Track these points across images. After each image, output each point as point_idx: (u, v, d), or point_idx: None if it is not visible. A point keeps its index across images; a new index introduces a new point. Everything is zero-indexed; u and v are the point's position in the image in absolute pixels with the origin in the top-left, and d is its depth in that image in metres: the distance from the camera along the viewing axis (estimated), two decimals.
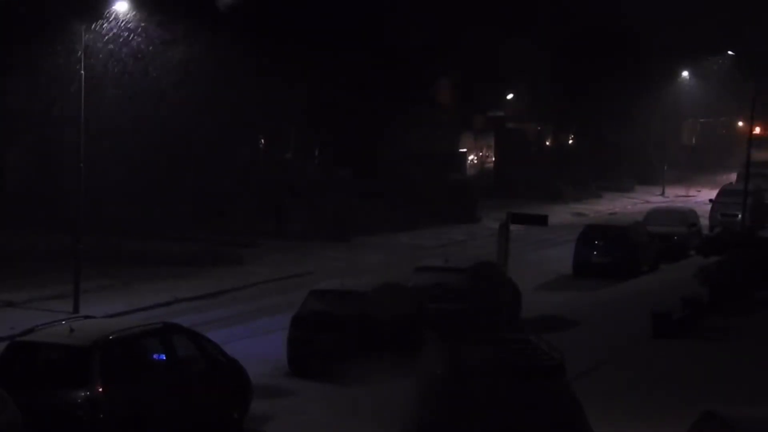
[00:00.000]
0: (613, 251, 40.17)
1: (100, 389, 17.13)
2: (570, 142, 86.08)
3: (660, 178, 76.31)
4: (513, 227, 33.62)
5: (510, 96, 73.04)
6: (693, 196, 73.16)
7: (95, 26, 36.77)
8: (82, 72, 30.42)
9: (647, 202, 68.67)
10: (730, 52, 79.34)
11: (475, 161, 68.94)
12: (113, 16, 38.07)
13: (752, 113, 51.04)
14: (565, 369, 15.57)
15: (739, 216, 49.26)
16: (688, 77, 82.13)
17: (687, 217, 48.01)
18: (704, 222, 51.53)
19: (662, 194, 74.02)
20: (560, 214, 59.24)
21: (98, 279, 34.47)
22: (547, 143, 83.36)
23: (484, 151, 70.09)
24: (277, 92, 49.55)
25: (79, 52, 31.03)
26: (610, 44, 68.28)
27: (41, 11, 39.70)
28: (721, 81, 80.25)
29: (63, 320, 19.79)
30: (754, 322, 31.29)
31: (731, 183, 64.19)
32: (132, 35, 41.93)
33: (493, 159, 71.19)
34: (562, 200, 66.68)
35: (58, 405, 16.99)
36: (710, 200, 56.55)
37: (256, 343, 28.19)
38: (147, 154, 45.56)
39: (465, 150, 67.68)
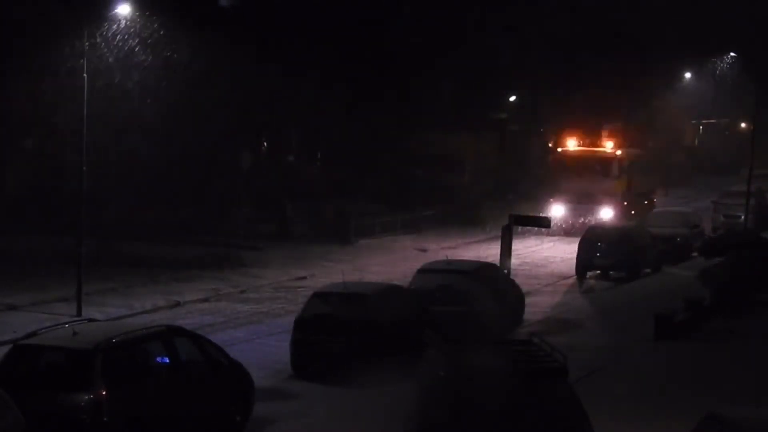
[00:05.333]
0: (615, 253, 40.18)
1: (103, 392, 17.11)
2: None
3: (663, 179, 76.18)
4: (521, 229, 33.67)
5: (512, 98, 73.02)
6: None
7: (98, 30, 36.83)
8: (85, 75, 30.44)
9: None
10: (732, 53, 79.27)
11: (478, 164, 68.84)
12: (116, 19, 38.09)
13: (755, 114, 50.98)
14: (567, 371, 15.55)
15: (742, 217, 49.24)
16: (690, 78, 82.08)
17: (689, 218, 48.00)
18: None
19: (665, 195, 73.90)
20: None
21: (101, 282, 34.51)
22: (551, 145, 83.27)
23: (487, 153, 69.97)
24: (280, 95, 49.58)
25: (83, 56, 31.01)
26: (612, 46, 68.26)
27: (45, 14, 39.74)
28: (723, 82, 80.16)
29: (66, 323, 19.80)
30: (757, 324, 31.26)
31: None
32: (134, 38, 41.97)
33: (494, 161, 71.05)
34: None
35: (61, 408, 16.97)
36: (713, 201, 56.52)
37: (259, 345, 28.24)
38: (149, 157, 45.59)
39: (468, 152, 67.58)
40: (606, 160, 54.19)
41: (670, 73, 77.69)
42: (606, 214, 51.49)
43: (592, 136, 56.23)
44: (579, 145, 55.58)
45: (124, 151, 43.77)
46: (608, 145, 55.12)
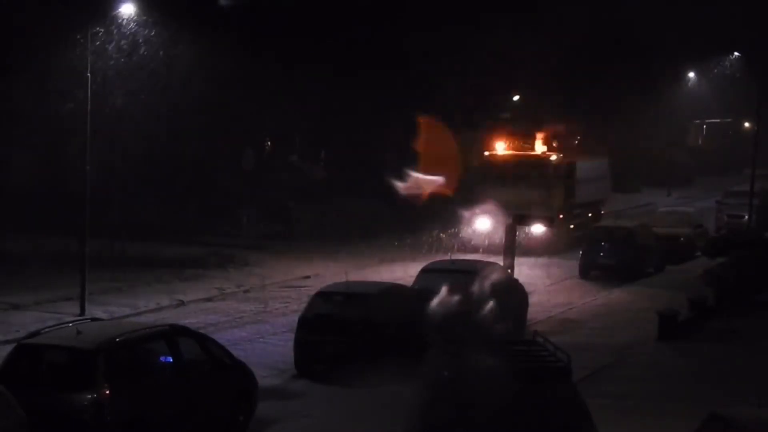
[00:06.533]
0: (619, 253, 40.17)
1: (106, 392, 17.12)
2: (576, 143, 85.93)
3: (666, 178, 76.29)
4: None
5: (516, 98, 73.00)
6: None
7: (102, 29, 36.87)
8: (89, 75, 30.44)
9: (649, 203, 68.59)
10: (736, 53, 79.24)
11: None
12: (119, 18, 38.14)
13: (759, 114, 50.92)
14: (571, 371, 15.54)
15: (745, 217, 49.25)
16: (694, 78, 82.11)
17: (693, 218, 48.02)
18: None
19: (669, 195, 74.00)
20: None
21: (104, 281, 34.56)
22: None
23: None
24: (283, 95, 49.60)
25: (87, 55, 31.02)
26: (615, 46, 68.24)
27: (48, 14, 39.77)
28: (727, 82, 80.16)
29: (69, 323, 19.81)
30: (761, 324, 31.24)
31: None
32: (138, 37, 42.00)
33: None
34: None
35: (63, 408, 16.98)
36: (717, 201, 56.47)
37: (263, 345, 28.26)
38: (153, 157, 45.63)
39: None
40: (539, 166, 46.86)
41: (673, 73, 77.67)
42: (537, 228, 44.28)
43: (524, 138, 48.34)
44: (508, 149, 48.15)
45: (127, 151, 43.78)
46: (542, 149, 47.92)
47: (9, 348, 19.89)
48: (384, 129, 56.09)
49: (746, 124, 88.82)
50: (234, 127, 49.75)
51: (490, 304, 28.59)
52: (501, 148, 48.14)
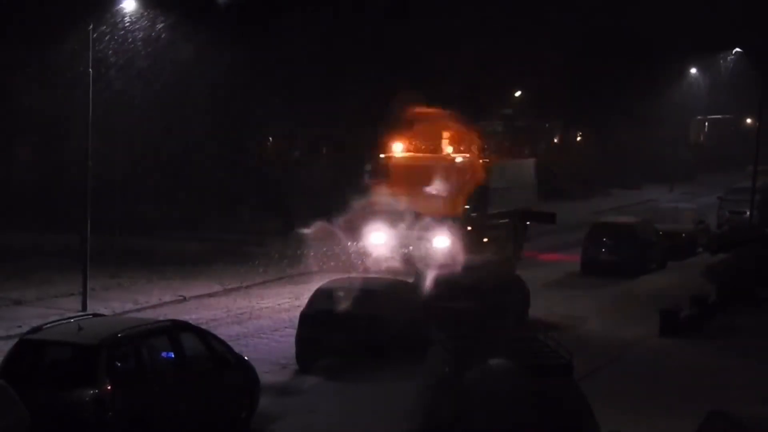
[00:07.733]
0: (621, 249, 40.15)
1: (108, 388, 17.10)
2: (578, 139, 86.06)
3: (668, 175, 76.29)
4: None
5: (518, 93, 73.04)
6: None
7: (103, 25, 36.90)
8: (90, 70, 30.43)
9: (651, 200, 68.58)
10: (738, 49, 79.21)
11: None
12: (120, 15, 38.14)
13: (760, 110, 50.89)
14: (573, 367, 15.56)
15: (747, 213, 49.25)
16: (696, 75, 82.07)
17: (695, 214, 48.03)
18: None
19: (670, 191, 73.99)
20: (569, 212, 59.11)
21: (106, 277, 34.54)
22: (555, 141, 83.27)
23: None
24: (285, 92, 49.61)
25: (88, 50, 31.02)
26: (618, 42, 68.26)
27: (49, 11, 39.80)
28: (729, 78, 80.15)
29: (71, 318, 19.79)
30: (762, 320, 31.25)
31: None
32: (139, 33, 42.03)
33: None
34: (569, 198, 66.60)
35: (65, 404, 16.97)
36: (719, 198, 56.46)
37: (265, 340, 28.26)
38: (154, 153, 45.66)
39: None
40: (442, 170, 39.63)
41: (675, 70, 77.67)
42: (440, 243, 37.66)
43: (428, 138, 41.59)
44: (409, 150, 41.34)
45: (129, 147, 43.81)
46: (448, 150, 41.15)
47: (11, 344, 19.90)
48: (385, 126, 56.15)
49: (748, 121, 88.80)
50: (236, 123, 49.74)
51: (492, 300, 28.58)
52: (399, 149, 41.28)
